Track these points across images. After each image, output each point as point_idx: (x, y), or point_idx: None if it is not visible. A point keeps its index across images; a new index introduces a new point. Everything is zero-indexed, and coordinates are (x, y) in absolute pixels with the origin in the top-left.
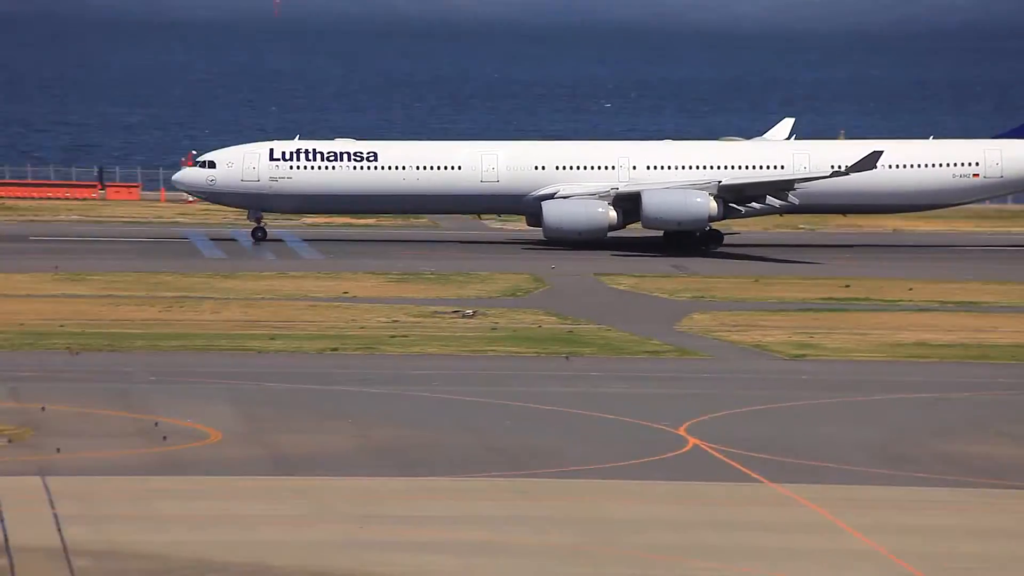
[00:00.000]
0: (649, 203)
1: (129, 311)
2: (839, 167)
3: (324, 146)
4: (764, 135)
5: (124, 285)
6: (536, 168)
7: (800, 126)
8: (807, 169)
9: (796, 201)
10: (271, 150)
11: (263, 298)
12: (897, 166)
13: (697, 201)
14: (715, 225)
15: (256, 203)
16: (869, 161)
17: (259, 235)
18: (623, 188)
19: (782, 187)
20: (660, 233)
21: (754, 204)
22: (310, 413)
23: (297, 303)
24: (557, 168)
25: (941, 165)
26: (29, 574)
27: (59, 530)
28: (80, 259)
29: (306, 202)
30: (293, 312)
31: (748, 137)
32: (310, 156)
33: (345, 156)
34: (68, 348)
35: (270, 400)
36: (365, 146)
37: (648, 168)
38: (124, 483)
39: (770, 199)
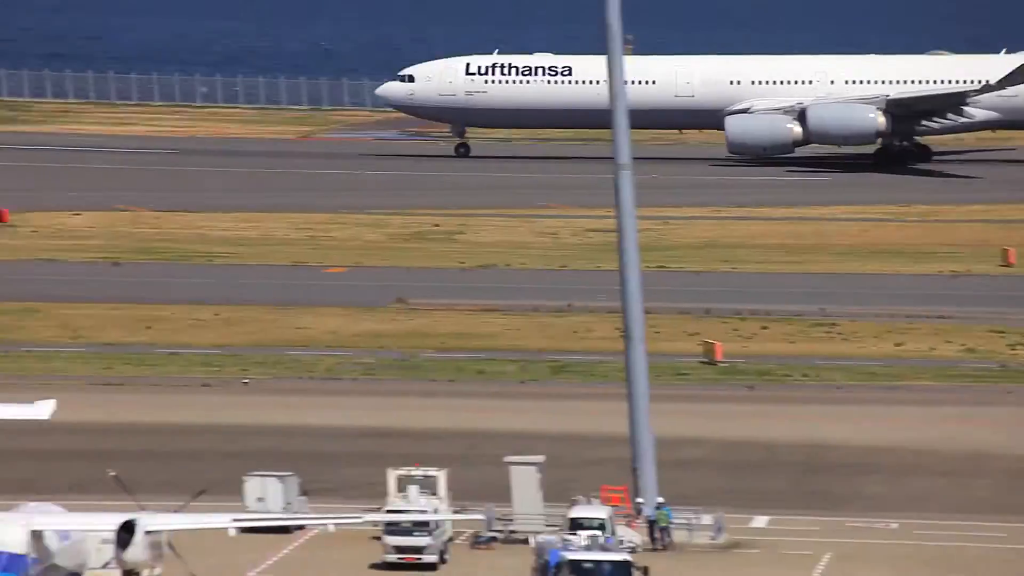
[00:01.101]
0: (813, 117)
1: None
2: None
3: (520, 60)
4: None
5: None
6: (731, 83)
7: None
8: (974, 83)
9: (977, 116)
10: (467, 64)
11: None
12: None
13: (864, 116)
14: (927, 140)
15: (453, 117)
16: (1019, 74)
17: (462, 151)
18: (808, 103)
19: (947, 101)
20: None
21: (930, 121)
22: None
23: None
24: (753, 83)
25: None
26: None
27: None
28: None
29: (502, 116)
30: None
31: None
32: (505, 71)
33: (540, 71)
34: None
35: None
36: (561, 60)
37: (847, 83)
38: None
39: (951, 115)
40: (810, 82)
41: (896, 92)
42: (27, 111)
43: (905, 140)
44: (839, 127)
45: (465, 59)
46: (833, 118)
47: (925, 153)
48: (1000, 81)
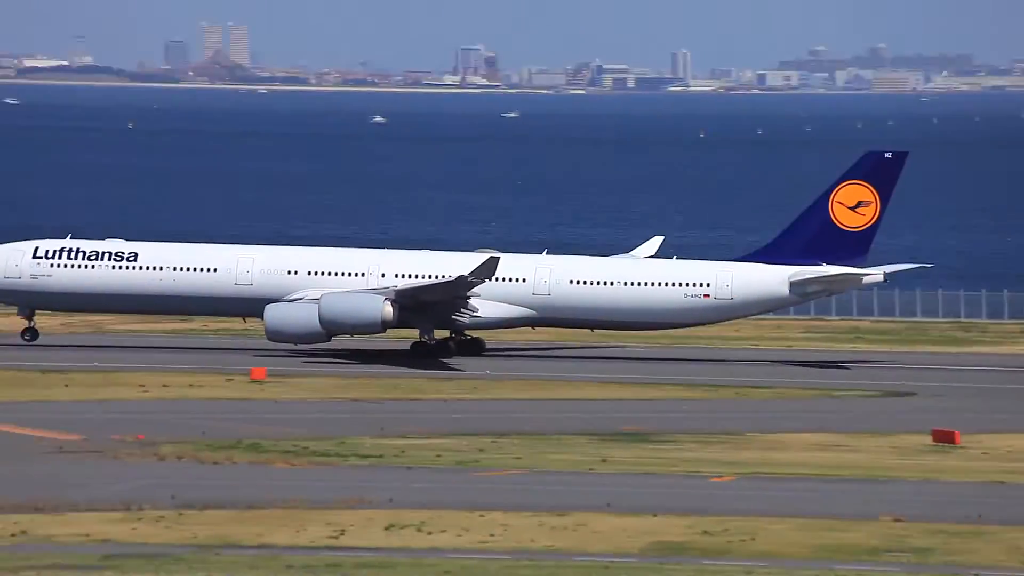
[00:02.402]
0: (325, 306)
1: None
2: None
3: (90, 245)
4: (632, 251)
5: None
6: (289, 272)
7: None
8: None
9: (496, 312)
10: (36, 248)
11: None
12: (631, 283)
13: (373, 305)
14: (478, 334)
15: (18, 300)
16: (487, 268)
17: (26, 337)
18: (323, 293)
19: (446, 292)
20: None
21: (439, 312)
22: None
23: None
24: (309, 273)
25: (672, 284)
26: None
27: None
28: None
29: (65, 300)
30: None
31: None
32: (73, 255)
33: (107, 256)
34: None
35: None
36: (128, 246)
37: (396, 276)
38: None
39: (462, 310)
40: (361, 274)
41: (404, 283)
42: (982, 331)
43: (454, 333)
44: (347, 316)
45: (35, 243)
46: (343, 307)
47: (477, 346)
48: (471, 273)
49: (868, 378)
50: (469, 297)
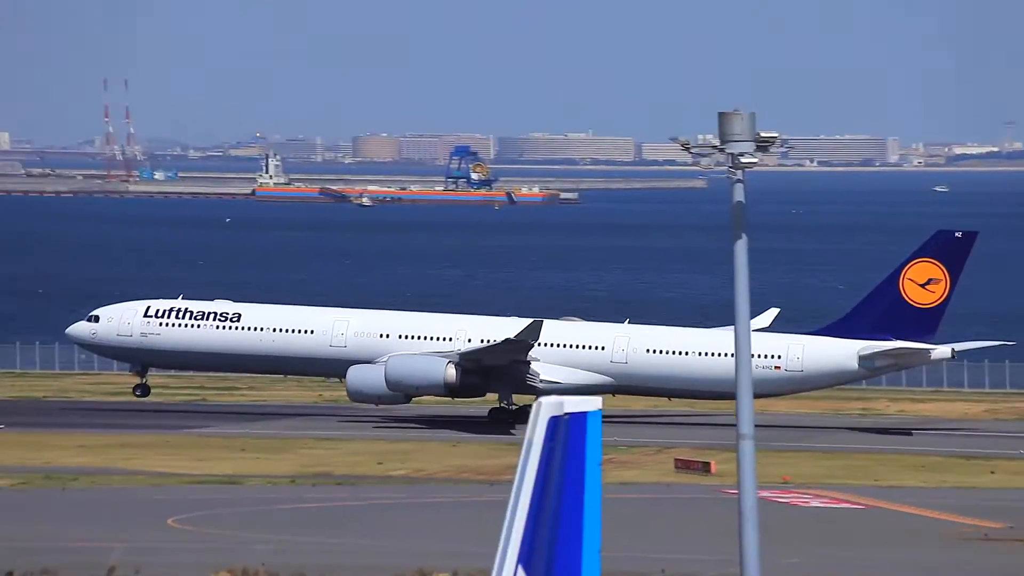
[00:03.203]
0: (390, 368)
1: None
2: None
3: (197, 306)
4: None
5: None
6: (381, 336)
7: None
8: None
9: (539, 383)
10: (148, 307)
11: None
12: (704, 353)
13: (435, 368)
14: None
15: (129, 356)
16: (532, 330)
17: (138, 392)
18: (390, 355)
19: (503, 357)
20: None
21: (503, 375)
22: None
23: None
24: (400, 337)
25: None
26: None
27: None
28: None
29: (173, 358)
30: None
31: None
32: (181, 315)
33: (212, 316)
34: None
35: None
36: (233, 307)
37: (480, 341)
38: None
39: (529, 375)
40: (449, 339)
41: (467, 347)
42: None
43: (508, 401)
44: (411, 377)
45: (147, 302)
46: (407, 369)
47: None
48: (516, 335)
49: None
50: (528, 361)
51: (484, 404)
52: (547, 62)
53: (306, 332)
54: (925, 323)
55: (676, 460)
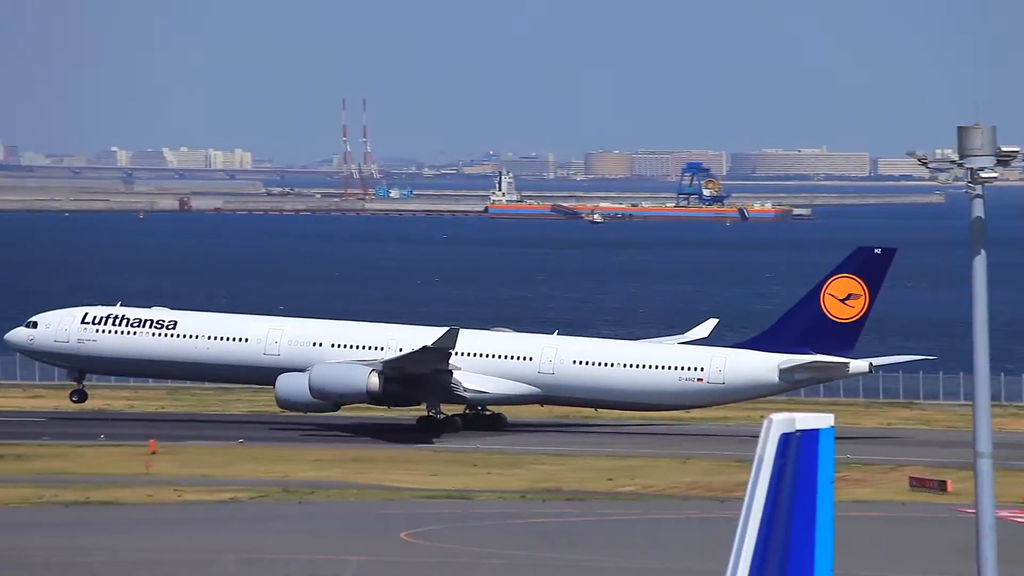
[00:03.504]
0: (314, 376)
1: None
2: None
3: (134, 313)
4: (686, 333)
5: None
6: (314, 345)
7: None
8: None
9: (464, 391)
10: (86, 313)
11: None
12: (629, 365)
13: (356, 375)
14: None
15: (66, 363)
16: (448, 338)
17: (74, 398)
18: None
19: (422, 366)
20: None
21: (427, 384)
22: None
23: None
24: (332, 346)
25: (668, 368)
26: None
27: None
28: None
29: (109, 364)
30: None
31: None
32: (117, 321)
33: (148, 323)
34: None
35: None
36: (169, 315)
37: (399, 350)
38: None
39: (451, 383)
40: (381, 348)
41: (389, 356)
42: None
43: (470, 409)
44: (335, 386)
45: (85, 309)
46: (330, 377)
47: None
48: (433, 344)
49: None
50: (450, 370)
51: (415, 413)
52: (780, 77)
53: (241, 340)
54: (844, 337)
55: (911, 478)
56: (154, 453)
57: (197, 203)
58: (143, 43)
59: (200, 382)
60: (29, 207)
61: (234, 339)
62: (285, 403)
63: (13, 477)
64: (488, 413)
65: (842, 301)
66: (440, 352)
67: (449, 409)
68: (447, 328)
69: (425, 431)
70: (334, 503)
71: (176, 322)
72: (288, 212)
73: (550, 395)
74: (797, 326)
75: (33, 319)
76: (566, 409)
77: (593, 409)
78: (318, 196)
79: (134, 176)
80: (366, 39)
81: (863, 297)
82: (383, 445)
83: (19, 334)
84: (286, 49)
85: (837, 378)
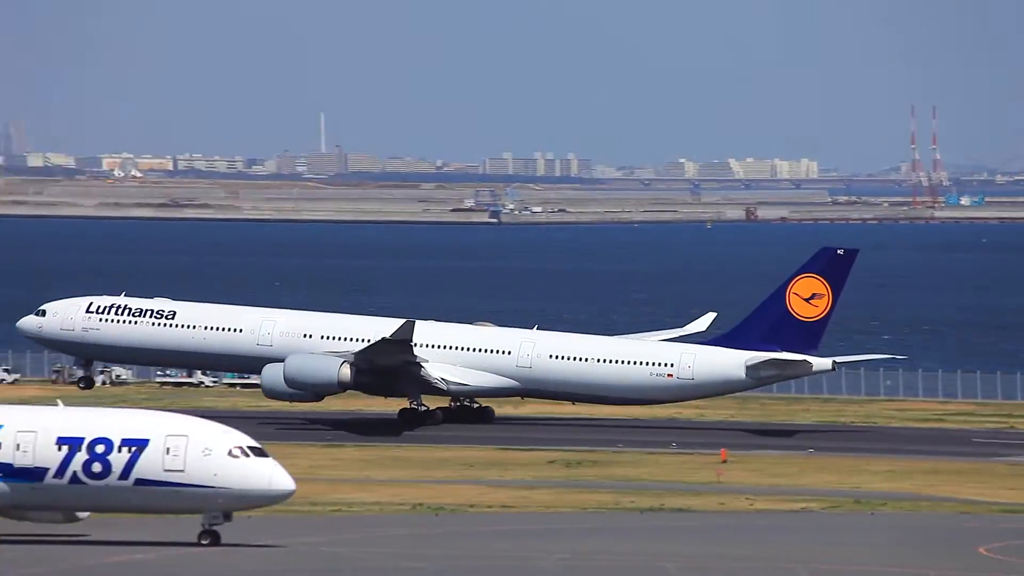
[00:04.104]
0: (288, 366)
1: None
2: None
3: (136, 303)
4: (684, 328)
5: None
6: (305, 336)
7: None
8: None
9: (439, 383)
10: (90, 303)
11: None
12: (603, 360)
13: (328, 366)
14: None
15: (71, 350)
16: (405, 329)
17: (81, 384)
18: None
19: (392, 359)
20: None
21: (399, 375)
22: None
23: None
24: (322, 338)
25: (640, 363)
26: None
27: None
28: None
29: (112, 353)
30: None
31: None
32: (120, 311)
33: (148, 313)
34: None
35: None
36: (170, 305)
37: (356, 340)
38: None
39: (422, 375)
40: (368, 340)
41: (359, 347)
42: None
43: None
44: (307, 376)
45: (91, 299)
46: (303, 367)
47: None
48: (391, 335)
49: None
50: (418, 362)
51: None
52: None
53: (235, 331)
54: (809, 336)
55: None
56: (725, 462)
57: (763, 213)
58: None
59: (197, 370)
60: (602, 219)
61: (229, 329)
62: (270, 393)
63: (592, 483)
64: (476, 406)
65: (807, 300)
66: (401, 344)
67: (445, 403)
68: (403, 320)
69: (406, 423)
70: (906, 515)
71: (175, 312)
72: (854, 221)
73: (528, 388)
74: (764, 324)
75: (42, 307)
76: None
77: (571, 403)
78: (885, 205)
79: (701, 187)
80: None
81: (826, 296)
82: (953, 458)
83: (29, 322)
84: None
85: (802, 375)
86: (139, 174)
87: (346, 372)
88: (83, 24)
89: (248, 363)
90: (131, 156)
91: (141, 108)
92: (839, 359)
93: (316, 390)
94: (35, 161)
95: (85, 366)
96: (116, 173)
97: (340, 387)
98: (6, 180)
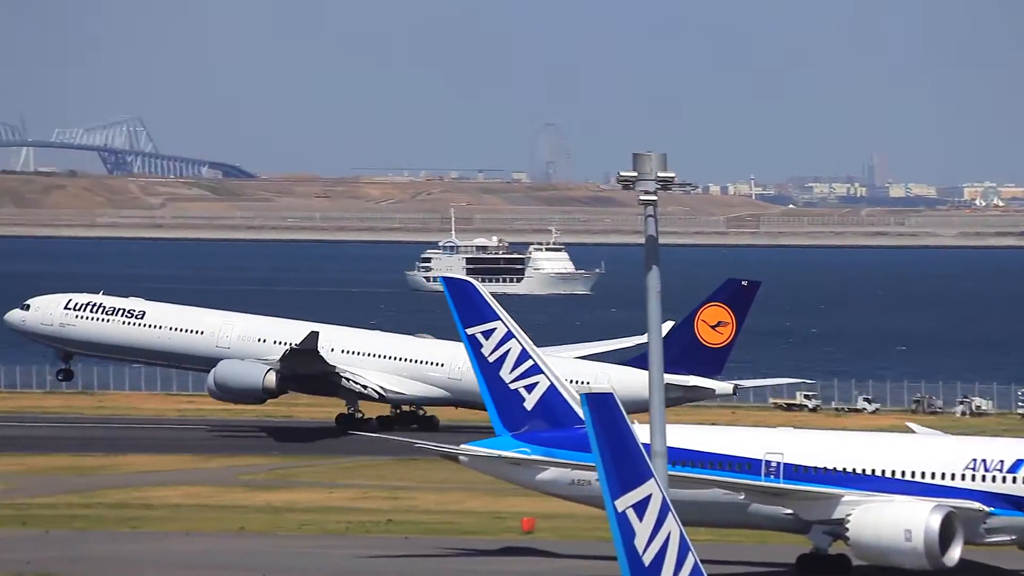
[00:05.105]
0: (217, 371)
1: None
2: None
3: (111, 301)
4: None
5: None
6: (259, 340)
7: None
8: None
9: (371, 390)
10: (69, 300)
11: None
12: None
13: (253, 372)
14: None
15: (51, 344)
16: (309, 340)
17: (60, 376)
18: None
19: (312, 367)
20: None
21: (324, 383)
22: None
23: None
24: (275, 343)
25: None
26: None
27: None
28: None
29: (86, 348)
30: None
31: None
32: (95, 309)
33: (119, 311)
34: None
35: None
36: (141, 304)
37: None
38: None
39: (351, 383)
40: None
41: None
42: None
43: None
44: (232, 381)
45: (70, 295)
46: (229, 373)
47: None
48: (296, 345)
49: None
50: (336, 370)
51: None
52: None
53: (197, 332)
54: (713, 361)
55: None
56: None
57: None
58: None
59: (162, 367)
60: None
61: (191, 331)
62: (212, 394)
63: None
64: (422, 414)
65: (712, 327)
66: (307, 353)
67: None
68: (309, 332)
69: (343, 429)
70: None
71: (144, 312)
72: None
73: (458, 399)
74: (674, 348)
75: (27, 302)
76: None
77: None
78: None
79: None
80: None
81: (731, 325)
82: None
83: (14, 315)
84: None
85: (706, 398)
86: (1000, 203)
87: (271, 379)
88: None
89: (208, 364)
90: (993, 185)
91: None
92: (743, 383)
93: (242, 395)
94: (896, 192)
95: (64, 359)
96: (978, 202)
97: (264, 393)
98: (868, 211)
